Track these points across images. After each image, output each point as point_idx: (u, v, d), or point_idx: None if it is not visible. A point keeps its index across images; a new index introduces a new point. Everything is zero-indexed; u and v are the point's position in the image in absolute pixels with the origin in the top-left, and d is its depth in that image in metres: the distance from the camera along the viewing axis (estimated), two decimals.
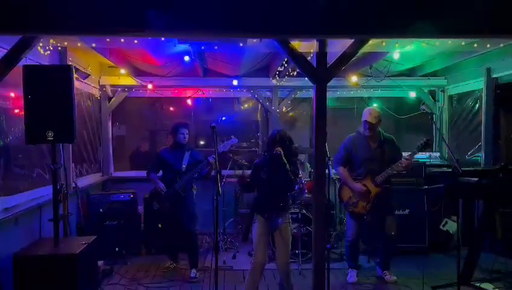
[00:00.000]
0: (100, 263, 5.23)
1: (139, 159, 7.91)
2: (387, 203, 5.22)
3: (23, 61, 3.96)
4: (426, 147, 5.02)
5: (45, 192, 4.89)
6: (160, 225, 5.72)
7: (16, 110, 4.56)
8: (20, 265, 3.78)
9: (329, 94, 7.11)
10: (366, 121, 5.11)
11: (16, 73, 3.93)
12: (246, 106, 8.17)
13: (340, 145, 5.38)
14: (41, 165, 5.09)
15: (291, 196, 6.13)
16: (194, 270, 5.46)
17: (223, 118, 7.84)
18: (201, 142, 7.93)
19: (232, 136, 5.55)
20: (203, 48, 5.22)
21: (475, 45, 4.99)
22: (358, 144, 5.24)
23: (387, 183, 5.17)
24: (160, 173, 5.77)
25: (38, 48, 4.54)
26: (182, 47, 5.30)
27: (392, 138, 5.35)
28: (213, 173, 4.90)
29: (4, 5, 3.23)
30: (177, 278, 5.44)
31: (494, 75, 6.17)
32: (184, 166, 5.55)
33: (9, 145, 4.46)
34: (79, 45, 4.86)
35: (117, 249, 6.07)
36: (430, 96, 7.66)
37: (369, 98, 7.62)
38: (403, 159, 5.02)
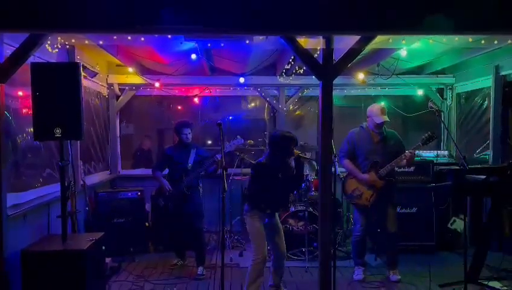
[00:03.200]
0: (108, 259, 5.26)
1: (145, 157, 7.94)
2: (390, 196, 5.22)
3: (31, 59, 3.98)
4: (430, 140, 5.01)
5: (54, 189, 4.92)
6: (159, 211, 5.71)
7: (25, 110, 4.58)
8: (28, 261, 3.81)
9: (336, 92, 7.13)
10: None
11: (25, 72, 3.96)
12: (252, 104, 8.17)
13: (343, 140, 5.40)
14: (51, 164, 5.11)
15: (296, 193, 6.17)
16: (201, 268, 5.47)
17: (230, 118, 7.84)
18: (209, 141, 7.94)
19: (238, 136, 5.55)
20: (209, 45, 5.22)
21: (482, 42, 4.95)
22: (361, 138, 5.27)
23: (391, 177, 5.17)
24: (166, 170, 5.79)
25: (46, 46, 4.55)
26: (188, 45, 5.30)
27: (395, 132, 5.37)
28: (219, 171, 4.91)
29: (10, 3, 3.27)
30: (184, 275, 5.46)
31: (503, 73, 6.11)
32: (190, 165, 5.57)
33: (20, 144, 4.48)
34: (86, 42, 4.85)
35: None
36: (438, 95, 7.61)
37: (377, 96, 7.58)
38: (406, 152, 5.02)
